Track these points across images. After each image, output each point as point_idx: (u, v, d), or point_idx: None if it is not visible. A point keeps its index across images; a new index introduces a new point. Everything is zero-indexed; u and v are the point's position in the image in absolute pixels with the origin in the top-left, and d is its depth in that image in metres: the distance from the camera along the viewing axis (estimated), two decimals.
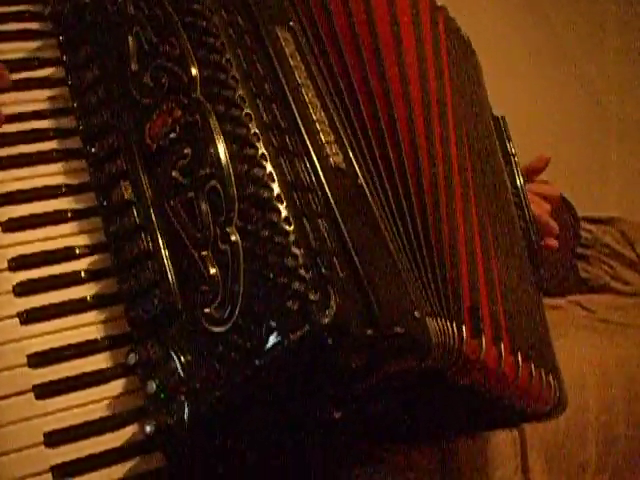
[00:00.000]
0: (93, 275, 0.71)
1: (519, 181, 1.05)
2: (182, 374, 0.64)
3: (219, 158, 0.66)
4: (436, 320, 0.72)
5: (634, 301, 1.72)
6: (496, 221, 0.94)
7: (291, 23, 0.78)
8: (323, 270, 0.62)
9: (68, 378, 0.67)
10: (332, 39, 0.81)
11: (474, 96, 1.03)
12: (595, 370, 1.57)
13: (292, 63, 0.74)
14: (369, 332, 0.62)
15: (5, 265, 0.70)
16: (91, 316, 0.70)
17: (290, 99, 0.71)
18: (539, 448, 1.42)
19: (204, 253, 0.65)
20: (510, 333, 0.85)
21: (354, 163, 0.73)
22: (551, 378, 0.91)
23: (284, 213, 0.63)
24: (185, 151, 0.68)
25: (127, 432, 0.66)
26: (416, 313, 0.68)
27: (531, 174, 1.13)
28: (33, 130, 0.77)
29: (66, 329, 0.69)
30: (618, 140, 2.39)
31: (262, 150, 0.66)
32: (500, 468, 1.22)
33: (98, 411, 0.67)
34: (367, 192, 0.73)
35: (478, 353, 0.76)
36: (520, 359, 0.84)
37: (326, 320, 0.59)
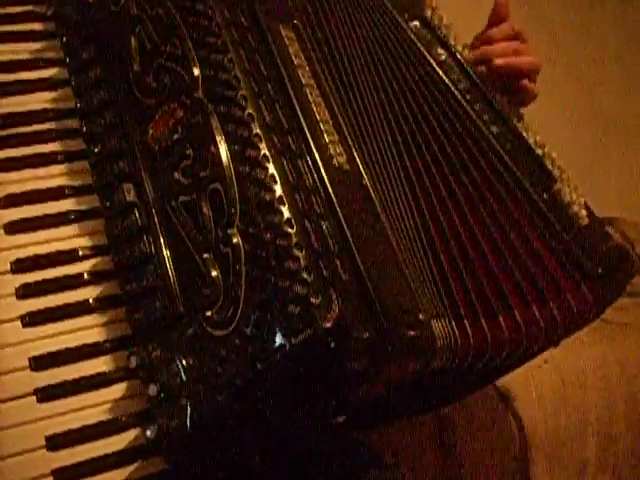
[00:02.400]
0: (96, 277, 0.71)
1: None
2: (184, 377, 0.64)
3: (221, 159, 0.65)
4: (441, 321, 0.71)
5: (634, 301, 1.71)
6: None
7: (295, 21, 0.77)
8: (325, 273, 0.61)
9: (70, 381, 0.67)
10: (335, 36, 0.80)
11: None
12: (595, 370, 1.56)
13: (296, 62, 0.73)
14: (372, 335, 0.61)
15: (8, 267, 0.70)
16: (93, 319, 0.70)
17: (293, 99, 0.70)
18: (540, 447, 1.42)
19: (206, 255, 0.65)
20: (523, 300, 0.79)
21: (358, 163, 0.73)
22: (585, 287, 0.82)
23: (286, 215, 0.63)
24: (187, 152, 0.68)
25: (128, 436, 0.66)
26: (420, 315, 0.67)
27: (497, 22, 0.98)
28: (36, 132, 0.76)
29: (68, 332, 0.69)
30: (618, 140, 2.39)
31: (264, 151, 0.65)
32: (500, 467, 1.22)
33: (100, 414, 0.66)
34: (371, 193, 0.72)
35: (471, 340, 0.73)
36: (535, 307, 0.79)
37: (328, 324, 0.59)
